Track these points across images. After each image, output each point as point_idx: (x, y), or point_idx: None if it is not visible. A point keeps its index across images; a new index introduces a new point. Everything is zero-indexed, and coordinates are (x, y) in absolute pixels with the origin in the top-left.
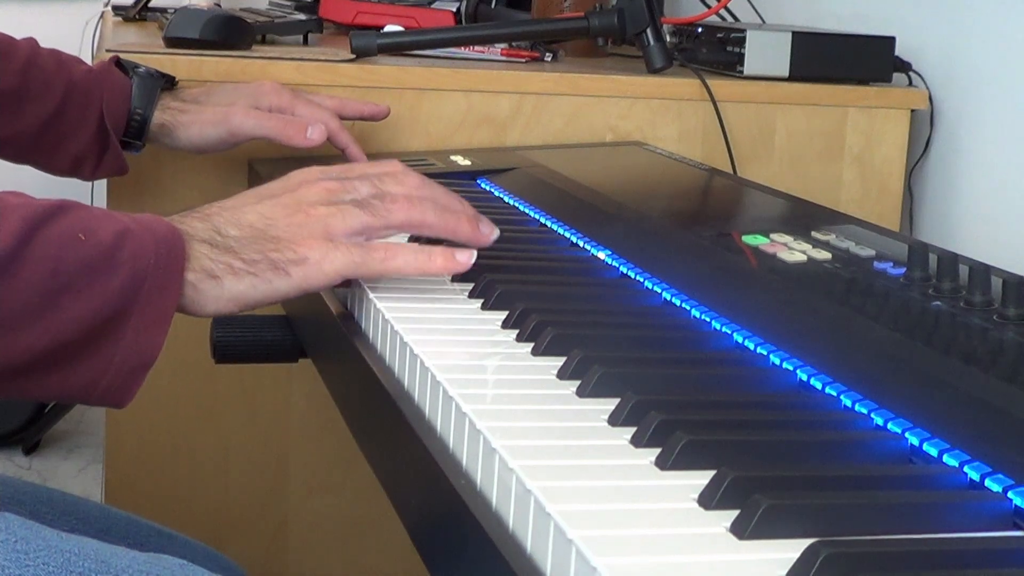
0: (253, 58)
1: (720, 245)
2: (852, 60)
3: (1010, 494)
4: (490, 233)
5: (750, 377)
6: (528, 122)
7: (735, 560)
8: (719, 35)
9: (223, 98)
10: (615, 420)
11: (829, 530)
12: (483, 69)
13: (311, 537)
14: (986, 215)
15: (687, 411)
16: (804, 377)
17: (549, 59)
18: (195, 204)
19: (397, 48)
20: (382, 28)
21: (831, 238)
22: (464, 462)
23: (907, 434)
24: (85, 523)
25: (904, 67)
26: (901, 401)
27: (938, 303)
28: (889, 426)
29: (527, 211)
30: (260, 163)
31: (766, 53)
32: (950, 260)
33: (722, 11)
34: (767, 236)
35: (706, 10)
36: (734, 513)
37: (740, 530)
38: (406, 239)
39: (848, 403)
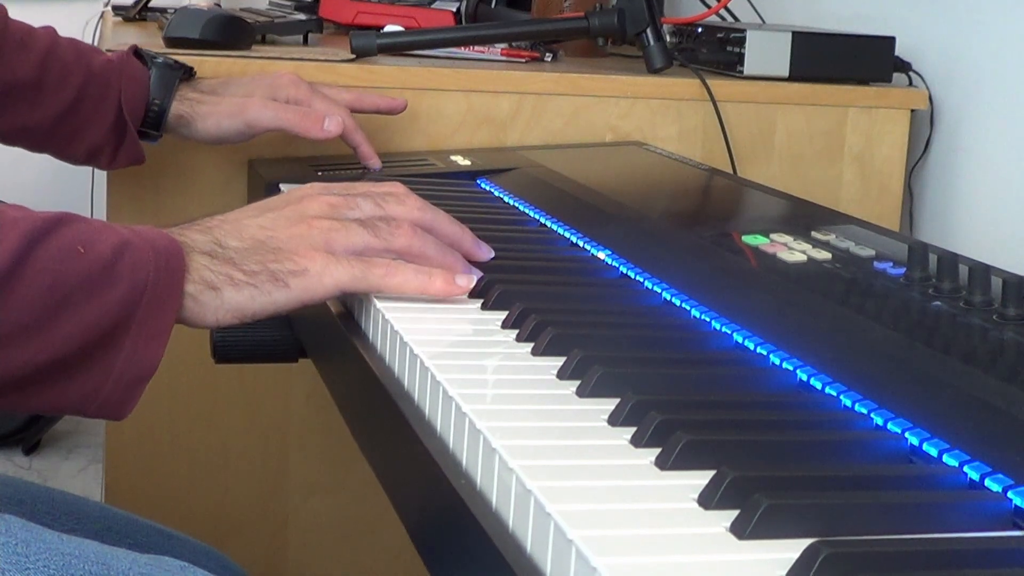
0: (253, 58)
1: (720, 245)
2: (852, 60)
3: (1010, 494)
4: (487, 254)
5: (750, 377)
6: (528, 122)
7: (735, 560)
8: (719, 35)
9: (241, 89)
10: (615, 420)
11: (829, 530)
12: (483, 69)
13: (311, 537)
14: (986, 215)
15: (687, 411)
16: (804, 377)
17: (549, 59)
18: (195, 203)
19: (397, 48)
20: (382, 28)
21: (831, 238)
22: (464, 462)
23: (907, 434)
24: (85, 523)
25: (904, 67)
26: (901, 401)
27: (938, 303)
28: (889, 426)
29: (527, 211)
30: (260, 163)
31: (766, 53)
32: (950, 260)
33: (722, 11)
34: (767, 236)
35: (706, 10)
36: (734, 513)
37: (740, 530)
38: None
39: (848, 403)
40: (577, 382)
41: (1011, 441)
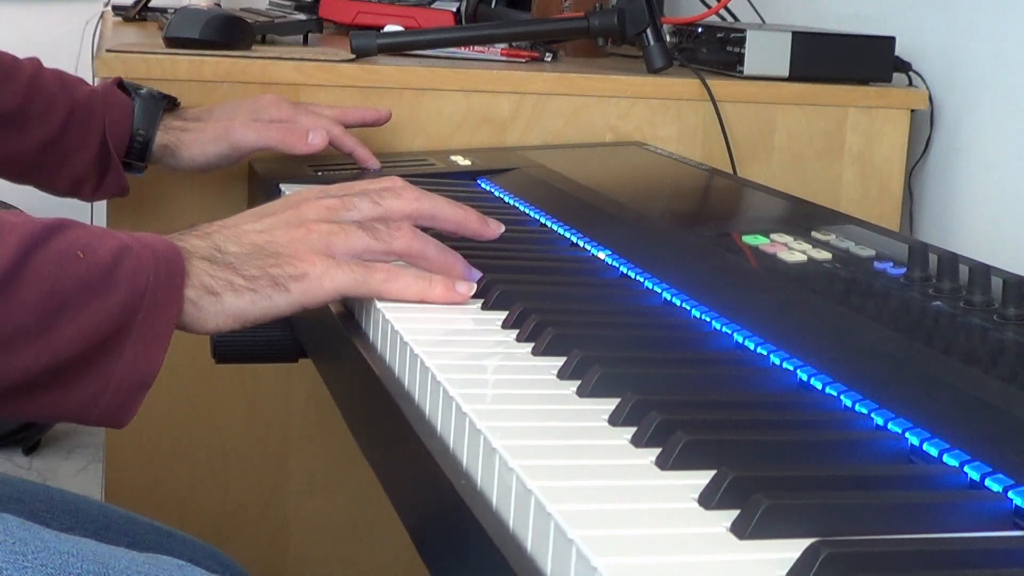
0: (253, 58)
1: (720, 245)
2: (852, 60)
3: (1010, 494)
4: (496, 230)
5: (750, 377)
6: (528, 122)
7: (735, 560)
8: (719, 35)
9: (224, 114)
10: (615, 420)
11: (829, 530)
12: (483, 69)
13: (311, 537)
14: (986, 215)
15: (687, 411)
16: (804, 377)
17: (549, 59)
18: (195, 204)
19: (397, 48)
20: (382, 28)
21: (831, 238)
22: (464, 462)
23: (907, 434)
24: (85, 522)
25: (904, 67)
26: (901, 401)
27: (938, 303)
28: (889, 426)
29: (527, 211)
30: (260, 163)
31: (766, 53)
32: (950, 260)
33: (722, 11)
34: (767, 236)
35: (706, 10)
36: (734, 513)
37: (740, 530)
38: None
39: (848, 403)
40: (577, 382)
41: (1011, 441)
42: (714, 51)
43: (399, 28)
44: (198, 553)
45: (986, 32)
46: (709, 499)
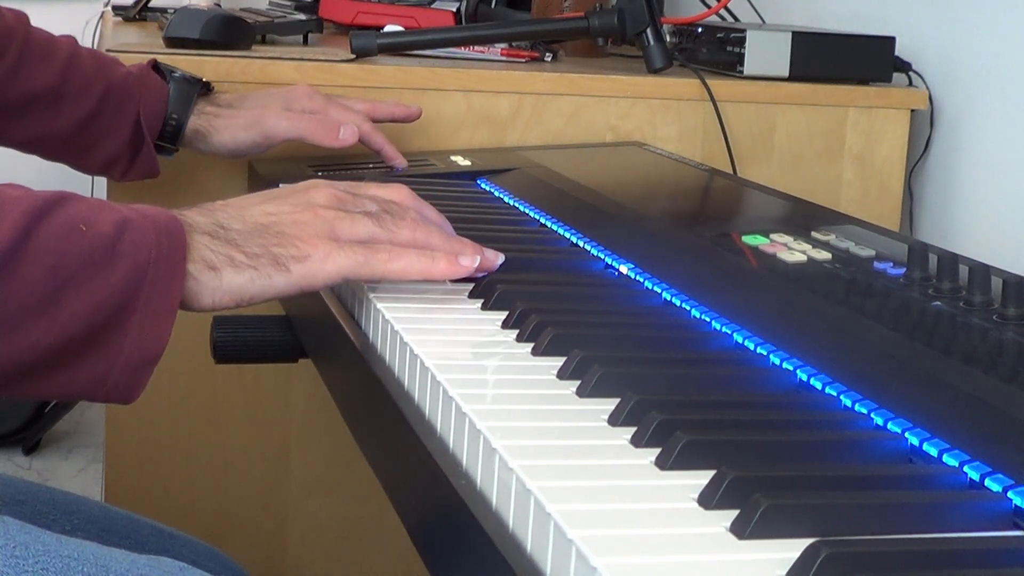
0: (253, 58)
1: (720, 245)
2: (852, 60)
3: (1010, 494)
4: (495, 259)
5: (750, 377)
6: (528, 122)
7: (735, 560)
8: (719, 35)
9: (257, 102)
10: (615, 420)
11: (829, 530)
12: (483, 69)
13: (311, 537)
14: (986, 215)
15: (687, 411)
16: (804, 377)
17: (549, 59)
18: (194, 202)
19: (397, 48)
20: (382, 28)
21: (831, 238)
22: (464, 462)
23: (907, 434)
24: (85, 523)
25: (904, 67)
26: (901, 401)
27: (938, 303)
28: (889, 426)
29: (527, 211)
30: (260, 163)
31: (766, 53)
32: (950, 260)
33: (722, 11)
34: (767, 236)
35: (706, 10)
36: (734, 513)
37: (740, 530)
38: None
39: (848, 403)
40: (577, 382)
41: (1011, 441)
42: (714, 51)
43: (399, 28)
44: (199, 554)
45: (986, 32)
46: (709, 499)
